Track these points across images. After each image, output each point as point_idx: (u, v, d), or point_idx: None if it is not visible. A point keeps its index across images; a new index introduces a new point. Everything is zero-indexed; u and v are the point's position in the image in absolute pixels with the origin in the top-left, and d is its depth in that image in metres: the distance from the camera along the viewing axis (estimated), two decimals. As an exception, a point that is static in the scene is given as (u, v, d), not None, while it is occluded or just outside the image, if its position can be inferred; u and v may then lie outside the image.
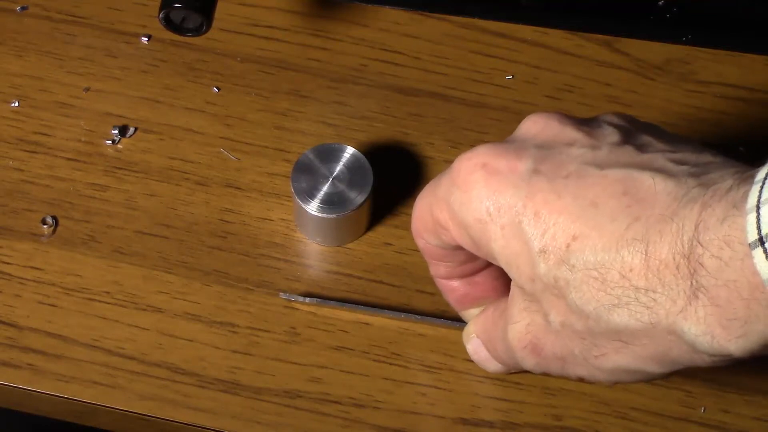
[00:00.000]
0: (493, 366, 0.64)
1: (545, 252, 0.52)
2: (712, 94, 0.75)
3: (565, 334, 0.54)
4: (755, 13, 0.77)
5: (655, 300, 0.50)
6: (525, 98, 0.74)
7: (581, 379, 0.56)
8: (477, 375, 0.66)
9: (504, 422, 0.65)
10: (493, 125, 0.73)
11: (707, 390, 0.66)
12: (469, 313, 0.64)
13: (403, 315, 0.67)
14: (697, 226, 0.48)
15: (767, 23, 0.77)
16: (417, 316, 0.67)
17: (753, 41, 0.76)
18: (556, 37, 0.77)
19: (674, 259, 0.49)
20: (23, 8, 0.76)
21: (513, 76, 0.75)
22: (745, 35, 0.77)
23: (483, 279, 0.62)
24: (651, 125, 0.56)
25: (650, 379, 0.54)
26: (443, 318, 0.67)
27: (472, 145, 0.72)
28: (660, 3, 0.77)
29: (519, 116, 0.73)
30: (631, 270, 0.50)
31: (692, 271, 0.48)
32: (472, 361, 0.65)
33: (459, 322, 0.66)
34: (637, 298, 0.50)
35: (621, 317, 0.51)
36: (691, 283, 0.48)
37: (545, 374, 0.58)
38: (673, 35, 0.77)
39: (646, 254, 0.50)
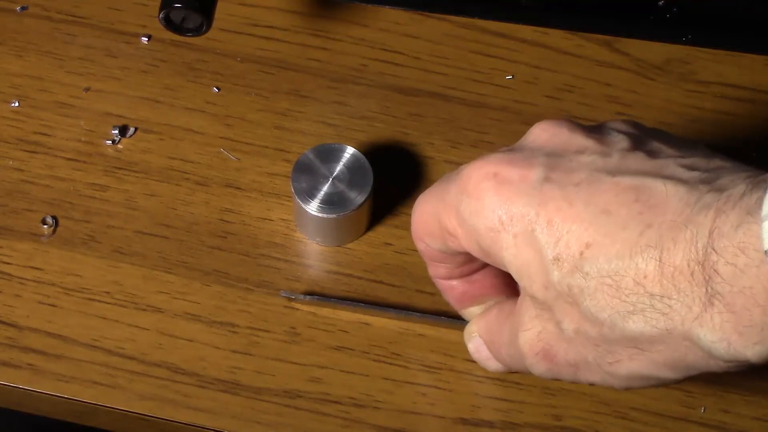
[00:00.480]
0: (494, 365, 0.63)
1: (559, 260, 0.52)
2: (712, 94, 0.75)
3: (578, 341, 0.54)
4: (755, 13, 0.77)
5: (670, 306, 0.50)
6: (525, 98, 0.74)
7: (593, 385, 0.56)
8: (477, 375, 0.66)
9: (504, 422, 0.65)
10: (493, 125, 0.73)
11: (707, 390, 0.66)
12: (470, 312, 0.64)
13: (403, 314, 0.67)
14: (711, 233, 0.48)
15: (767, 23, 0.77)
16: (417, 315, 0.67)
17: (753, 41, 0.76)
18: (556, 37, 0.77)
19: (689, 265, 0.49)
20: (23, 8, 0.76)
21: (513, 76, 0.75)
22: (745, 35, 0.77)
23: (482, 277, 0.62)
24: (659, 131, 0.56)
25: (663, 385, 0.54)
26: (443, 317, 0.67)
27: (472, 145, 0.73)
28: (660, 3, 0.77)
29: (519, 116, 0.73)
30: (645, 277, 0.50)
31: (707, 278, 0.48)
32: (472, 361, 0.65)
33: (459, 321, 0.66)
34: (652, 305, 0.50)
35: (636, 324, 0.51)
36: (707, 289, 0.48)
37: (556, 380, 0.58)
38: (673, 35, 0.77)
39: (660, 261, 0.50)
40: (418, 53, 0.76)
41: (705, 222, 0.49)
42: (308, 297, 0.67)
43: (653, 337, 0.51)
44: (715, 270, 0.48)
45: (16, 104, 0.73)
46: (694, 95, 0.75)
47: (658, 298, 0.50)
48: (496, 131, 0.73)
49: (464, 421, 0.65)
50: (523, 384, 0.66)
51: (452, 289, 0.63)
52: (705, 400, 0.66)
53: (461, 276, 0.62)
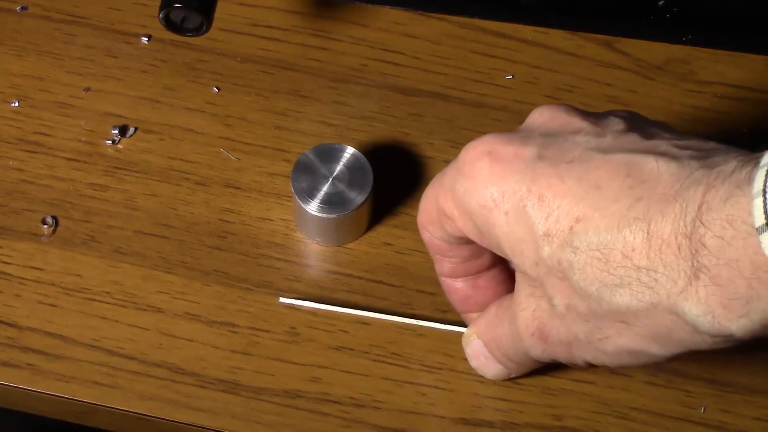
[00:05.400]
0: (492, 369, 0.64)
1: (549, 235, 0.53)
2: (712, 94, 0.75)
3: (569, 317, 0.54)
4: (755, 13, 0.77)
5: (656, 280, 0.50)
6: (525, 98, 0.74)
7: (588, 364, 0.56)
8: (477, 375, 0.65)
9: (504, 422, 0.65)
10: (493, 125, 0.74)
11: (707, 390, 0.66)
12: (470, 317, 0.64)
13: (405, 320, 0.67)
14: (700, 207, 0.49)
15: (767, 23, 0.77)
16: (418, 322, 0.67)
17: (753, 41, 0.76)
18: (556, 37, 0.77)
19: (676, 239, 0.49)
20: (23, 8, 0.76)
21: (513, 76, 0.75)
22: (745, 35, 0.77)
23: (486, 283, 0.62)
24: (657, 121, 0.57)
25: (654, 362, 0.54)
26: (444, 322, 0.67)
27: (472, 145, 0.73)
28: (660, 3, 0.77)
29: (519, 116, 0.73)
30: (633, 249, 0.50)
31: (694, 251, 0.48)
32: (467, 358, 0.65)
33: (459, 326, 0.66)
34: (638, 278, 0.50)
35: (623, 297, 0.51)
36: (692, 263, 0.49)
37: (553, 361, 0.58)
38: (673, 35, 0.77)
39: (647, 233, 0.50)
40: (418, 53, 0.76)
41: (694, 197, 0.49)
42: (307, 303, 0.67)
43: (639, 311, 0.51)
44: (702, 243, 0.48)
45: (16, 104, 0.73)
46: (694, 95, 0.75)
47: (644, 271, 0.50)
48: (496, 131, 0.73)
49: (464, 421, 0.65)
50: (523, 384, 0.66)
51: (456, 291, 0.63)
52: (705, 400, 0.66)
53: (465, 274, 0.62)
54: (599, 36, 0.77)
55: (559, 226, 0.53)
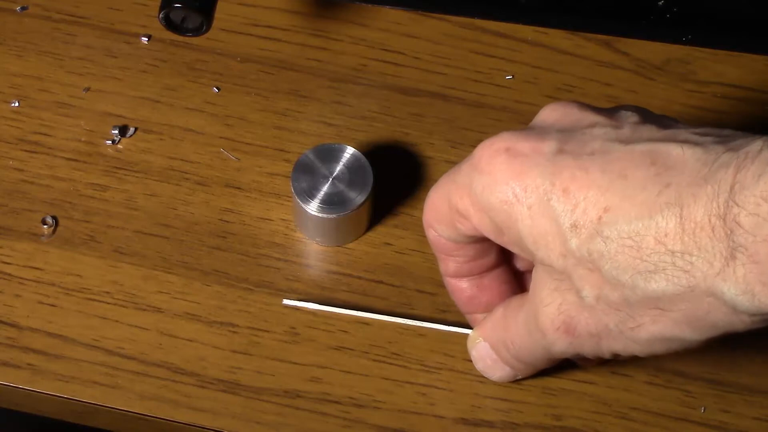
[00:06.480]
0: (499, 372, 0.63)
1: (576, 227, 0.53)
2: (712, 94, 0.75)
3: (600, 308, 0.54)
4: (755, 13, 0.77)
5: (692, 263, 0.50)
6: (525, 98, 0.74)
7: (615, 355, 0.56)
8: (477, 375, 0.65)
9: (504, 422, 0.65)
10: (493, 125, 0.74)
11: (707, 390, 0.66)
12: (475, 318, 0.64)
13: (406, 321, 0.67)
14: (732, 188, 0.49)
15: (767, 23, 0.77)
16: (418, 323, 0.67)
17: (753, 41, 0.76)
18: (556, 37, 0.77)
19: (710, 221, 0.49)
20: (23, 8, 0.76)
21: (513, 76, 0.75)
22: (745, 35, 0.77)
23: (491, 282, 0.62)
24: (665, 116, 0.57)
25: (686, 348, 0.54)
26: (445, 323, 0.67)
27: (472, 145, 0.72)
28: (660, 3, 0.77)
29: (519, 116, 0.73)
30: (666, 235, 0.50)
31: (729, 231, 0.49)
32: (472, 361, 0.65)
33: (460, 326, 0.66)
34: (673, 263, 0.51)
35: (659, 283, 0.51)
36: (728, 243, 0.49)
37: (574, 356, 0.58)
38: (673, 35, 0.77)
39: (680, 218, 0.50)
40: (418, 53, 0.76)
41: (725, 178, 0.49)
42: (311, 305, 0.67)
43: (676, 295, 0.51)
44: (736, 222, 0.48)
45: (16, 104, 0.73)
46: (694, 95, 0.75)
47: (679, 255, 0.50)
48: (496, 131, 0.72)
49: (464, 421, 0.65)
50: (523, 384, 0.66)
51: (461, 291, 0.63)
52: (705, 400, 0.66)
53: (470, 274, 0.62)
54: (599, 36, 0.77)
55: (587, 217, 0.53)
